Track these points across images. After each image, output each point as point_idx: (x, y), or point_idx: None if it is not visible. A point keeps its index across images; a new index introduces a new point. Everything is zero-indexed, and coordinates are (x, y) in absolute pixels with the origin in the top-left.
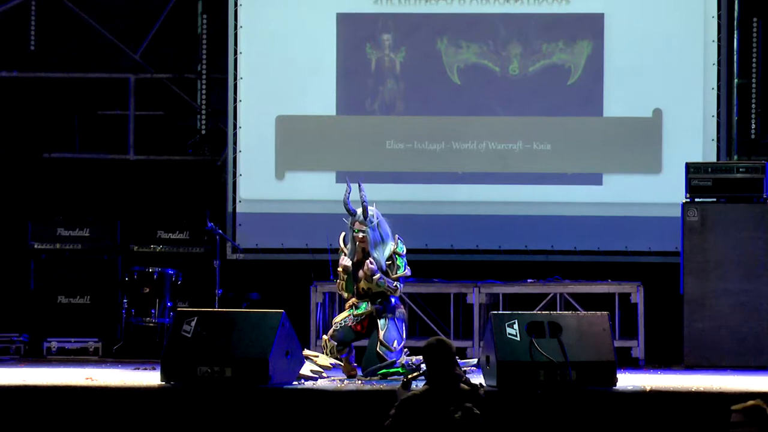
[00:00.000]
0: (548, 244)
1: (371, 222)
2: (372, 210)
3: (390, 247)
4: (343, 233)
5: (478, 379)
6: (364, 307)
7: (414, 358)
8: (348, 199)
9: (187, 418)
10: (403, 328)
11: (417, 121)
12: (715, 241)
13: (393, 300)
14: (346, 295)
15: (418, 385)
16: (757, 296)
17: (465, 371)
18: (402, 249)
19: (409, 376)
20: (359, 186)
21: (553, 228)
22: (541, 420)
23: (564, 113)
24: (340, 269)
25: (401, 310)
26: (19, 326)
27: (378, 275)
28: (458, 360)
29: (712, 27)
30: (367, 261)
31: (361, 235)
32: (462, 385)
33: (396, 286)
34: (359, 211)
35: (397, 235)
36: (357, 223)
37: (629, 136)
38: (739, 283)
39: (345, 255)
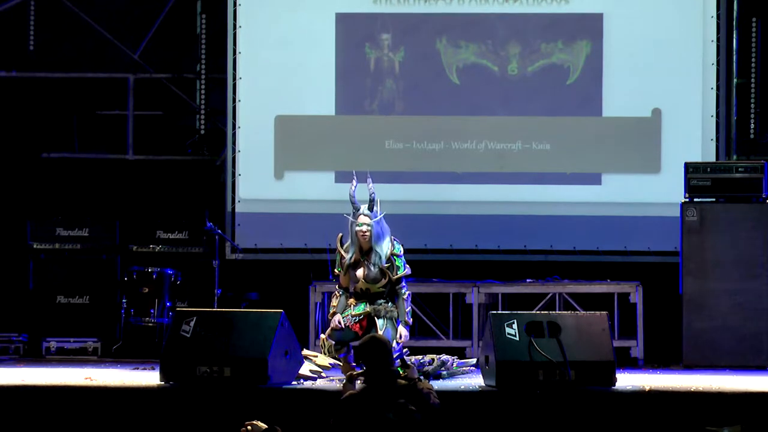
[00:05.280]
0: (547, 244)
1: (375, 216)
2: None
3: (387, 245)
4: (340, 234)
5: (476, 379)
6: (363, 306)
7: (413, 358)
8: (354, 192)
9: (187, 418)
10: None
11: (416, 120)
12: (714, 241)
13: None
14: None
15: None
16: (756, 296)
17: (405, 365)
18: (399, 249)
19: (353, 373)
20: (368, 179)
21: (552, 228)
22: (540, 420)
23: (563, 113)
24: (326, 334)
25: None
26: (18, 326)
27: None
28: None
29: (711, 27)
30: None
31: (365, 228)
32: (399, 380)
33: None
34: (363, 207)
35: (391, 237)
36: (361, 216)
37: (628, 136)
38: (738, 283)
39: (337, 313)
